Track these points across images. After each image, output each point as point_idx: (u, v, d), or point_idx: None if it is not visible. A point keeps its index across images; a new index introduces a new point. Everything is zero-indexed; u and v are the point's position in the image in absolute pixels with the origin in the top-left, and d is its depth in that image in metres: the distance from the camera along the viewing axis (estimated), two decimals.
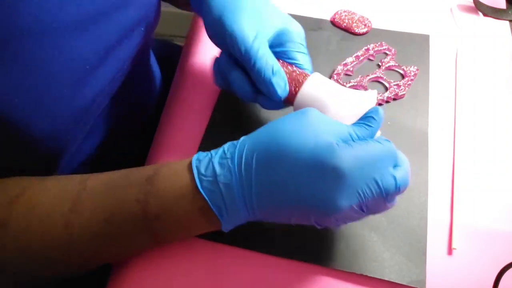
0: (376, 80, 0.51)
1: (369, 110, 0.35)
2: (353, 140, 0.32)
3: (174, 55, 0.63)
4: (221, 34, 0.40)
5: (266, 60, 0.38)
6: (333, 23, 0.57)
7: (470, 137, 0.47)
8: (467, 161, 0.45)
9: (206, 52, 0.56)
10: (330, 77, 0.51)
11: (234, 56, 0.40)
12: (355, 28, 0.56)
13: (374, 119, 0.34)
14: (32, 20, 0.32)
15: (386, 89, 0.50)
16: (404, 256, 0.39)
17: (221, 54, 0.43)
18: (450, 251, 0.40)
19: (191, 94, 0.52)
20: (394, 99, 0.49)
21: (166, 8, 0.56)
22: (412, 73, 0.51)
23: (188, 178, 0.33)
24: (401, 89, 0.49)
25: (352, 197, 0.30)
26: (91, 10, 0.36)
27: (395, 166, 0.33)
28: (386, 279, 0.38)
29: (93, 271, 0.39)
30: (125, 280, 0.40)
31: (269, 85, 0.38)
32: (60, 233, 0.33)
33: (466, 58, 0.53)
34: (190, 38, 0.58)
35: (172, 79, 0.55)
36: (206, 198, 0.32)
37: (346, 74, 0.52)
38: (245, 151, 0.32)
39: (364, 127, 0.33)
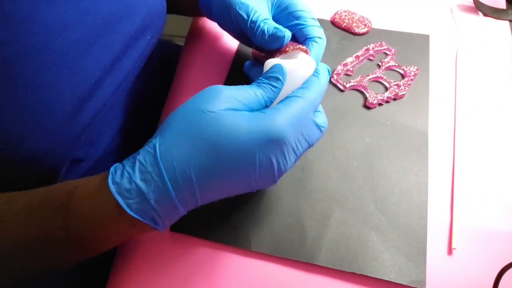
0: (376, 80, 0.51)
1: (272, 69, 0.35)
2: (266, 104, 0.33)
3: (174, 55, 0.63)
4: (228, 16, 0.42)
5: (266, 24, 0.39)
6: (333, 23, 0.57)
7: (470, 137, 0.47)
8: (467, 161, 0.45)
9: (206, 52, 0.56)
10: (330, 77, 0.51)
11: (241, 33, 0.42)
12: (355, 28, 0.56)
13: (280, 80, 0.34)
14: (38, 39, 0.32)
15: (386, 89, 0.50)
16: (404, 256, 0.39)
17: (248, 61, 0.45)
18: (450, 251, 0.40)
19: (191, 94, 0.52)
20: (394, 99, 0.49)
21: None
22: (412, 73, 0.51)
23: (107, 199, 0.30)
24: (401, 89, 0.49)
25: (291, 156, 0.32)
26: (96, 25, 0.36)
27: (315, 111, 0.35)
28: (386, 279, 0.38)
29: (90, 273, 0.38)
30: (125, 280, 0.40)
31: (270, 29, 0.38)
32: None
33: (466, 58, 0.53)
34: (190, 38, 0.58)
35: (172, 78, 0.55)
36: (139, 218, 0.30)
37: (346, 74, 0.52)
38: (175, 163, 0.30)
39: (271, 89, 0.34)
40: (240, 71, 0.46)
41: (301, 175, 0.44)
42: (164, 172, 0.30)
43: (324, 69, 0.37)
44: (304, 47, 0.38)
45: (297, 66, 0.35)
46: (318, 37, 0.40)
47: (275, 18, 0.42)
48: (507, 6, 0.59)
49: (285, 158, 0.32)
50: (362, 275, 0.38)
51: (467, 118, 0.48)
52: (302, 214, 0.42)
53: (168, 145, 0.30)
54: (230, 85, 0.34)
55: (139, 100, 0.53)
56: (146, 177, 0.30)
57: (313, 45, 0.40)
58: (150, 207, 0.30)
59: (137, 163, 0.30)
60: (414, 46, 0.54)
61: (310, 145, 0.34)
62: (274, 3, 0.42)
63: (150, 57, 0.50)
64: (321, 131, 0.35)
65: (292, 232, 0.41)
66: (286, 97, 0.34)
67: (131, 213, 0.30)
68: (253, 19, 0.39)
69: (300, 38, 0.41)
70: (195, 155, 0.30)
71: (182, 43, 0.62)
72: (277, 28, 0.38)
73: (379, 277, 0.38)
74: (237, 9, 0.40)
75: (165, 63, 0.65)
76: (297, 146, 0.32)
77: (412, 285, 0.38)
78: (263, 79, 0.34)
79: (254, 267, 0.40)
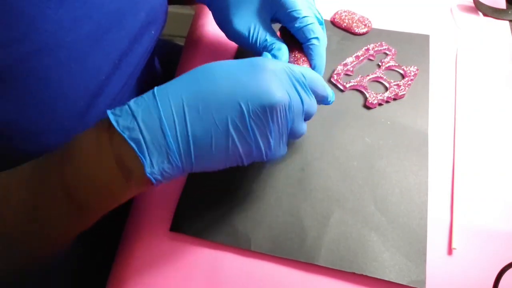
0: (376, 80, 0.51)
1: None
2: None
3: (175, 55, 0.63)
4: (227, 32, 0.45)
5: (266, 46, 0.41)
6: (333, 23, 0.57)
7: (470, 137, 0.47)
8: (467, 161, 0.45)
9: (206, 52, 0.56)
10: (330, 77, 0.51)
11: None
12: (355, 28, 0.56)
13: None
14: (49, 36, 0.32)
15: (386, 89, 0.50)
16: (404, 256, 0.39)
17: None
18: (450, 251, 0.40)
19: None
20: (394, 99, 0.49)
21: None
22: (412, 73, 0.51)
23: (100, 128, 0.31)
24: (401, 89, 0.49)
25: (282, 92, 0.32)
26: (103, 20, 0.37)
27: (312, 91, 0.36)
28: (386, 279, 0.38)
29: (90, 272, 0.38)
30: (125, 280, 0.40)
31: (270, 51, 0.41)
32: None
33: (466, 58, 0.53)
34: (190, 38, 0.58)
35: (173, 78, 0.55)
36: (121, 133, 0.29)
37: (346, 74, 0.52)
38: (170, 91, 0.31)
39: None
40: None
41: (301, 175, 0.44)
42: (157, 98, 0.31)
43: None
44: (305, 65, 0.40)
45: None
46: (315, 38, 0.41)
47: (275, 18, 0.43)
48: (507, 6, 0.59)
49: (271, 81, 0.32)
50: (362, 275, 0.38)
51: (467, 118, 0.48)
52: (302, 214, 0.42)
53: (167, 84, 0.32)
54: None
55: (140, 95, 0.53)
56: (139, 101, 0.31)
57: (312, 48, 0.41)
58: (136, 126, 0.30)
59: (139, 97, 0.32)
60: (414, 46, 0.54)
61: (302, 102, 0.34)
62: (271, 3, 0.42)
63: (152, 54, 0.50)
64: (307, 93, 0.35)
65: (292, 232, 0.41)
66: None
67: (117, 129, 0.29)
68: (253, 41, 0.42)
69: (301, 40, 0.42)
70: (188, 83, 0.31)
71: (182, 43, 0.62)
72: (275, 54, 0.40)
73: (379, 277, 0.38)
74: (235, 27, 0.43)
75: (165, 63, 0.65)
76: (285, 86, 0.32)
77: (412, 285, 0.38)
78: None
79: (254, 267, 0.40)
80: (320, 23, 0.43)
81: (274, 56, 0.40)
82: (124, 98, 0.44)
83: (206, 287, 0.39)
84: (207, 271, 0.40)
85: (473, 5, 0.59)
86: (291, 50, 0.42)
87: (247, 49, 0.43)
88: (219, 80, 0.31)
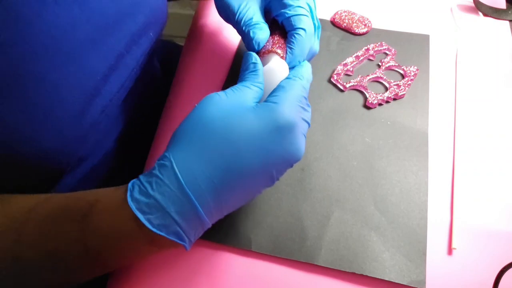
0: (376, 80, 0.51)
1: (244, 60, 0.37)
2: (260, 88, 0.35)
3: (175, 55, 0.63)
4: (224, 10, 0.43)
5: (250, 20, 0.40)
6: (333, 23, 0.57)
7: (470, 137, 0.47)
8: (467, 161, 0.45)
9: (206, 52, 0.56)
10: (330, 77, 0.51)
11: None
12: (355, 28, 0.56)
13: (256, 63, 0.36)
14: (46, 38, 0.32)
15: (386, 89, 0.50)
16: (404, 256, 0.39)
17: None
18: (450, 251, 0.40)
19: (191, 94, 0.52)
20: (394, 99, 0.49)
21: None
22: (412, 73, 0.51)
23: (127, 216, 0.29)
24: (401, 89, 0.49)
25: (301, 138, 0.32)
26: (101, 22, 0.36)
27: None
28: (386, 279, 0.38)
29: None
30: (125, 280, 0.40)
31: (249, 33, 0.39)
32: (9, 264, 0.32)
33: (466, 58, 0.53)
34: (190, 38, 0.58)
35: (173, 78, 0.55)
36: (161, 234, 0.29)
37: (346, 74, 0.52)
38: (193, 170, 0.29)
39: (253, 75, 0.36)
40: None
41: (301, 175, 0.44)
42: (182, 182, 0.29)
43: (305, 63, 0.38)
44: (279, 51, 0.38)
45: (271, 69, 0.37)
46: (301, 29, 0.39)
47: (268, 6, 0.42)
48: (507, 6, 0.59)
49: (298, 140, 0.32)
50: (362, 275, 0.38)
51: (467, 118, 0.48)
52: (302, 214, 0.42)
53: (182, 155, 0.30)
54: (230, 84, 0.34)
55: (141, 98, 0.53)
56: (164, 190, 0.29)
57: (296, 37, 0.39)
58: (172, 221, 0.29)
59: (154, 178, 0.30)
60: (414, 46, 0.54)
61: (309, 125, 0.34)
62: None
63: (151, 56, 0.50)
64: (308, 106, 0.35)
65: (292, 232, 0.41)
66: (280, 83, 0.35)
67: (153, 229, 0.29)
68: (239, 18, 0.40)
69: (287, 28, 0.40)
70: (211, 157, 0.29)
71: (182, 43, 0.62)
72: (252, 36, 0.39)
73: (379, 277, 0.38)
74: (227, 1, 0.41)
75: (165, 63, 0.65)
76: (302, 128, 0.33)
77: (412, 285, 0.38)
78: (243, 72, 0.36)
79: (254, 267, 0.40)
80: (312, 18, 0.41)
81: (253, 33, 0.38)
82: (121, 99, 0.44)
83: (207, 287, 0.39)
84: (207, 271, 0.40)
85: (473, 5, 0.59)
86: (272, 34, 0.40)
87: (232, 25, 0.42)
88: (245, 153, 0.30)
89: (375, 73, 0.51)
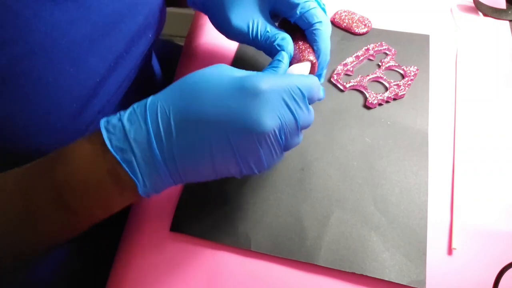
0: (376, 80, 0.51)
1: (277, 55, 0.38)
2: None
3: (175, 55, 0.63)
4: (226, 31, 0.43)
5: (268, 38, 0.40)
6: (333, 23, 0.57)
7: (470, 137, 0.47)
8: (467, 161, 0.45)
9: (206, 52, 0.56)
10: (330, 77, 0.51)
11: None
12: (355, 28, 0.56)
13: (281, 61, 0.37)
14: (43, 38, 0.32)
15: (386, 89, 0.50)
16: (404, 256, 0.39)
17: None
18: (450, 251, 0.40)
19: None
20: (394, 99, 0.49)
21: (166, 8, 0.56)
22: (412, 73, 0.51)
23: (94, 142, 0.31)
24: (401, 89, 0.49)
25: (273, 118, 0.30)
26: (100, 23, 0.36)
27: (309, 98, 0.33)
28: (386, 279, 0.38)
29: (90, 272, 0.38)
30: (125, 280, 0.40)
31: (273, 47, 0.40)
32: None
33: (466, 58, 0.53)
34: (190, 38, 0.58)
35: (173, 78, 0.55)
36: (114, 154, 0.30)
37: (346, 74, 0.52)
38: (159, 106, 0.30)
39: (272, 70, 0.36)
40: None
41: (301, 175, 0.44)
42: (148, 113, 0.30)
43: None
44: (311, 57, 0.39)
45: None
46: (319, 22, 0.40)
47: (274, 12, 0.42)
48: (507, 6, 0.59)
49: (261, 110, 0.30)
50: (362, 275, 0.38)
51: (467, 118, 0.48)
52: (302, 214, 0.42)
53: (158, 95, 0.31)
54: None
55: (140, 98, 0.53)
56: (132, 118, 0.30)
57: (316, 33, 0.40)
58: (128, 146, 0.30)
59: (130, 108, 0.31)
60: (414, 46, 0.54)
61: (296, 121, 0.32)
62: None
63: (150, 56, 0.50)
64: (309, 115, 0.34)
65: (292, 232, 0.41)
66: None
67: (111, 149, 0.29)
68: (254, 35, 0.41)
69: (303, 26, 0.41)
70: (175, 98, 0.31)
71: (182, 43, 0.62)
72: (278, 48, 0.39)
73: (379, 277, 0.38)
74: (234, 24, 0.41)
75: (165, 63, 0.65)
76: (278, 109, 0.31)
77: (412, 285, 0.38)
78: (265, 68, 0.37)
79: (254, 267, 0.40)
80: (322, 9, 0.41)
81: (279, 46, 0.39)
82: (119, 100, 0.44)
83: (207, 287, 0.39)
84: (207, 271, 0.40)
85: (473, 5, 0.59)
86: (294, 41, 0.40)
87: (250, 45, 0.42)
88: (206, 103, 0.30)
89: (375, 73, 0.51)
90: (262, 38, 0.40)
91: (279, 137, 0.31)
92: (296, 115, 0.32)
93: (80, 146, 0.31)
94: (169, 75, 0.57)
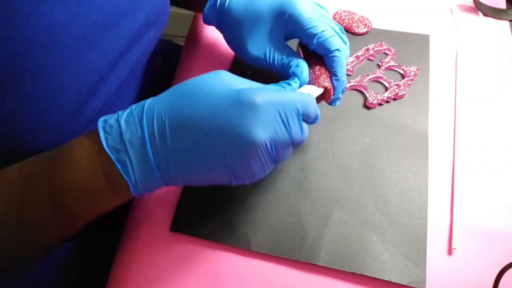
0: (376, 80, 0.51)
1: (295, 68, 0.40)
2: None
3: (175, 55, 0.63)
4: (243, 57, 0.44)
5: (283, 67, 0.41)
6: None
7: (470, 137, 0.47)
8: (467, 161, 0.45)
9: (206, 52, 0.56)
10: None
11: None
12: (355, 28, 0.56)
13: (290, 85, 0.38)
14: (43, 34, 0.32)
15: (386, 89, 0.50)
16: (404, 256, 0.39)
17: None
18: (450, 251, 0.40)
19: None
20: (394, 99, 0.49)
21: None
22: (412, 73, 0.51)
23: (92, 141, 0.31)
24: (401, 89, 0.49)
25: (265, 131, 0.31)
26: (101, 20, 0.36)
27: (304, 115, 0.34)
28: (386, 279, 0.38)
29: (90, 272, 0.38)
30: (125, 280, 0.40)
31: (288, 74, 0.41)
32: None
33: (466, 58, 0.53)
34: (190, 38, 0.58)
35: (173, 78, 0.55)
36: (110, 154, 0.30)
37: (346, 74, 0.52)
38: (156, 110, 0.31)
39: (279, 86, 0.37)
40: (240, 71, 0.46)
41: (301, 175, 0.44)
42: (144, 117, 0.31)
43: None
44: (326, 83, 0.39)
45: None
46: (337, 50, 0.40)
47: (292, 35, 0.42)
48: (507, 6, 0.59)
49: (253, 124, 0.30)
50: (362, 275, 0.38)
51: (467, 118, 0.48)
52: (302, 214, 0.42)
53: (156, 99, 0.32)
54: None
55: (140, 97, 0.53)
56: (129, 119, 0.31)
57: (335, 60, 0.40)
58: (123, 147, 0.30)
59: (128, 109, 0.32)
60: (414, 46, 0.54)
61: (289, 134, 0.32)
62: (286, 24, 0.42)
63: (151, 55, 0.50)
64: (302, 132, 0.34)
65: (292, 232, 0.41)
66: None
67: (106, 149, 0.30)
68: (270, 62, 0.42)
69: (322, 53, 0.41)
70: (173, 104, 0.31)
71: (182, 43, 0.62)
72: (293, 76, 0.40)
73: (379, 277, 0.38)
74: (251, 52, 0.42)
75: (165, 63, 0.64)
76: (271, 122, 0.31)
77: (412, 285, 0.38)
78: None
79: (254, 267, 0.40)
80: (341, 33, 0.42)
81: (294, 74, 0.40)
82: (119, 99, 0.44)
83: (206, 287, 0.39)
84: (207, 271, 0.40)
85: (473, 5, 0.59)
86: (311, 66, 0.41)
87: (267, 69, 0.43)
88: (202, 112, 0.31)
89: (375, 73, 0.51)
90: (278, 65, 0.41)
91: (270, 150, 0.32)
92: (288, 129, 0.32)
93: (78, 145, 0.32)
94: (169, 75, 0.57)
